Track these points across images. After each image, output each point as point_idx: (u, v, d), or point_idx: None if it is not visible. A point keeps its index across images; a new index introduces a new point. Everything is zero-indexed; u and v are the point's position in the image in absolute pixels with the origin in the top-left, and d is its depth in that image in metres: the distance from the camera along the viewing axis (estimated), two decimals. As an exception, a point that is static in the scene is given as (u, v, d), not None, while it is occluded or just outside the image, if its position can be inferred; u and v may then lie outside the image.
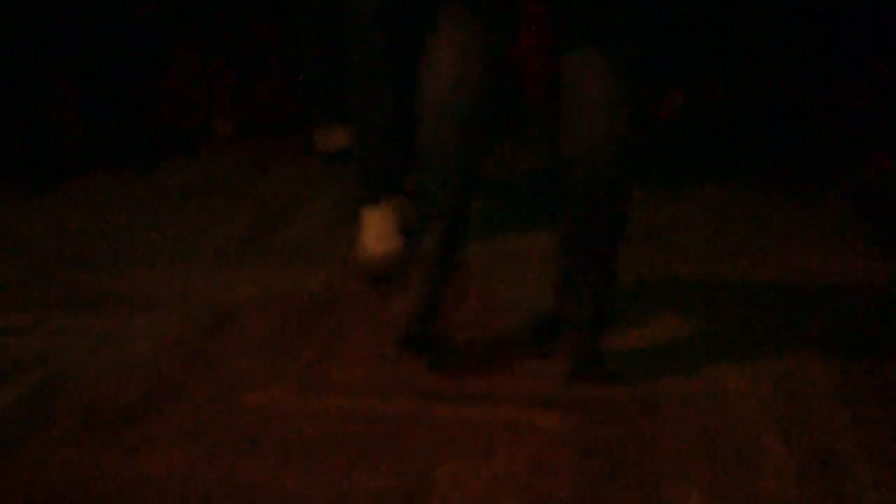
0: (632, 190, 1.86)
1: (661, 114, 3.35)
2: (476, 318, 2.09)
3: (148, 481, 1.54)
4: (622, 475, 1.53)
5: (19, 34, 3.26)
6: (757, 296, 2.17)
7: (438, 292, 1.84)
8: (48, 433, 1.67)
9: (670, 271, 2.32)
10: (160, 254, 2.54)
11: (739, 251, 2.42)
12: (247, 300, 2.21)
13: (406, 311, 1.84)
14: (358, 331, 2.05)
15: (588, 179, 1.80)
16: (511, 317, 2.09)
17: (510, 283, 2.27)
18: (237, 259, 2.51)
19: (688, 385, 1.78)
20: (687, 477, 1.52)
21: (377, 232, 2.37)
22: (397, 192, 2.39)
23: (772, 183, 2.94)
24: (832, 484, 1.49)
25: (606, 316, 1.87)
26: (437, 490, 1.51)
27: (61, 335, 2.05)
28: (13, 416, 1.75)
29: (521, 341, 1.97)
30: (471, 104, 1.84)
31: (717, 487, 1.50)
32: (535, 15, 4.15)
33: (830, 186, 2.90)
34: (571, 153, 1.81)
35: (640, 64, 1.84)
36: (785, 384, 1.77)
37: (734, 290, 2.21)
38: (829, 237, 2.53)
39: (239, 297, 2.23)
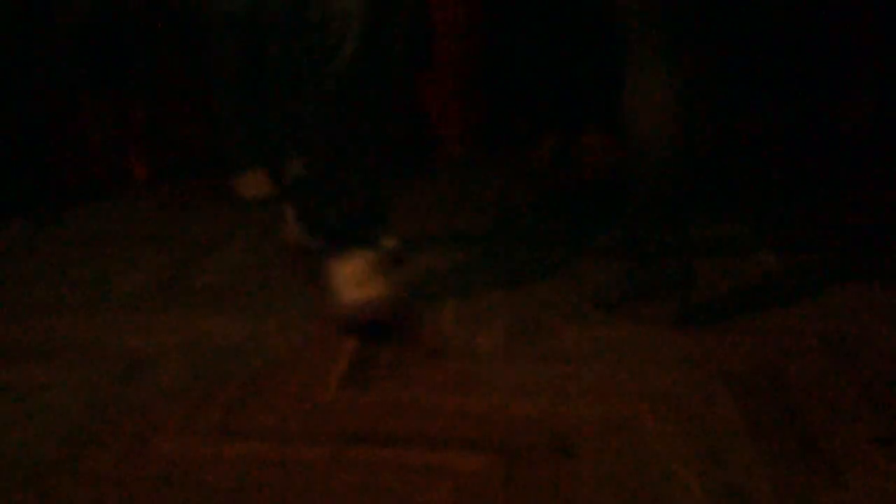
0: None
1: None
2: (398, 361, 2.09)
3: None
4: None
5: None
6: (664, 332, 2.20)
7: None
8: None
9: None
10: (71, 301, 2.50)
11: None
12: (160, 347, 2.18)
13: None
14: (274, 377, 2.03)
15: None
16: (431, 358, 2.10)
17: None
18: (151, 305, 2.47)
19: (604, 425, 1.80)
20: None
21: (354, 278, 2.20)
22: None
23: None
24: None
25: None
26: (354, 535, 1.50)
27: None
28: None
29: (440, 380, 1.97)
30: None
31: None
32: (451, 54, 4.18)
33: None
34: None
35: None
36: (698, 422, 1.80)
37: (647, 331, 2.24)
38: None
39: (152, 344, 2.20)
